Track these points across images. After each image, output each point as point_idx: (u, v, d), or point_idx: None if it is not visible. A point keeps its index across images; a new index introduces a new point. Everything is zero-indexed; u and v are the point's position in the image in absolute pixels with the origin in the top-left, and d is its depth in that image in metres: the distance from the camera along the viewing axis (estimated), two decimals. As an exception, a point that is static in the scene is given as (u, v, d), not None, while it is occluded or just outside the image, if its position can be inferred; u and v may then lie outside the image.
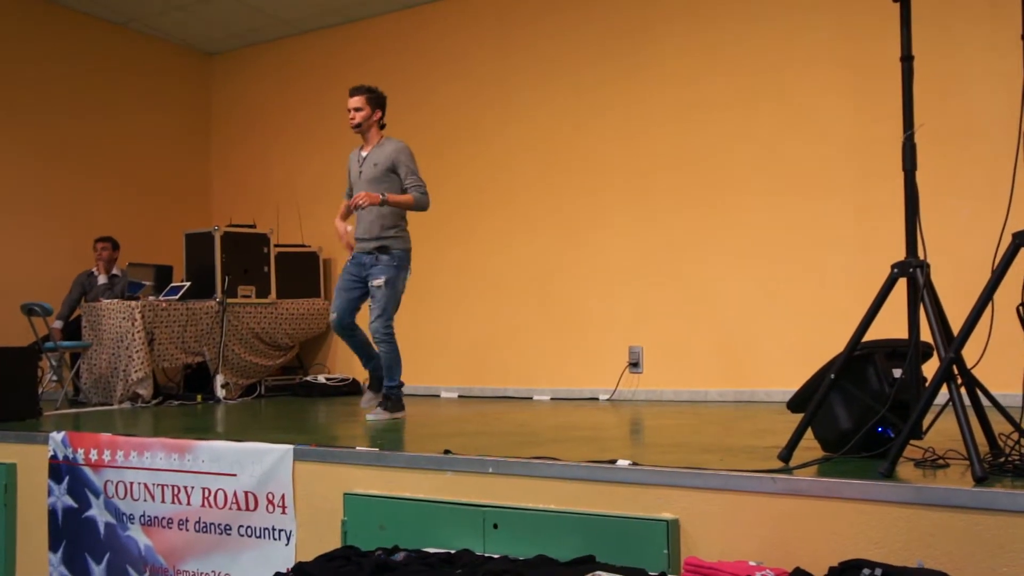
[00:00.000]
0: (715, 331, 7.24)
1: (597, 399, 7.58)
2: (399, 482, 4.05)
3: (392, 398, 5.98)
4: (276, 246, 8.79)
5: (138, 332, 7.52)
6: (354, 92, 5.92)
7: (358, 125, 5.91)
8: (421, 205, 5.82)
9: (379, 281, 5.80)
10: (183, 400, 7.85)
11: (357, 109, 5.89)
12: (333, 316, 5.97)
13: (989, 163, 6.14)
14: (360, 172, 5.91)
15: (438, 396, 8.21)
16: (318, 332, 9.12)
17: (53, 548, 5.10)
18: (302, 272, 9.01)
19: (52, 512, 5.12)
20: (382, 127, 5.99)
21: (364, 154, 5.94)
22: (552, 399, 7.73)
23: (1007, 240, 3.23)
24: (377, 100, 5.93)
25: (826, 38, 6.93)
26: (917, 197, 3.50)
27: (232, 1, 8.88)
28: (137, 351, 7.49)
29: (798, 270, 6.94)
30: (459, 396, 8.10)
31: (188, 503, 4.64)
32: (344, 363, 9.08)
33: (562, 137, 8.04)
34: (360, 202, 5.67)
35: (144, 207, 9.50)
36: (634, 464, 3.57)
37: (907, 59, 3.54)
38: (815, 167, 6.93)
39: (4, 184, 8.56)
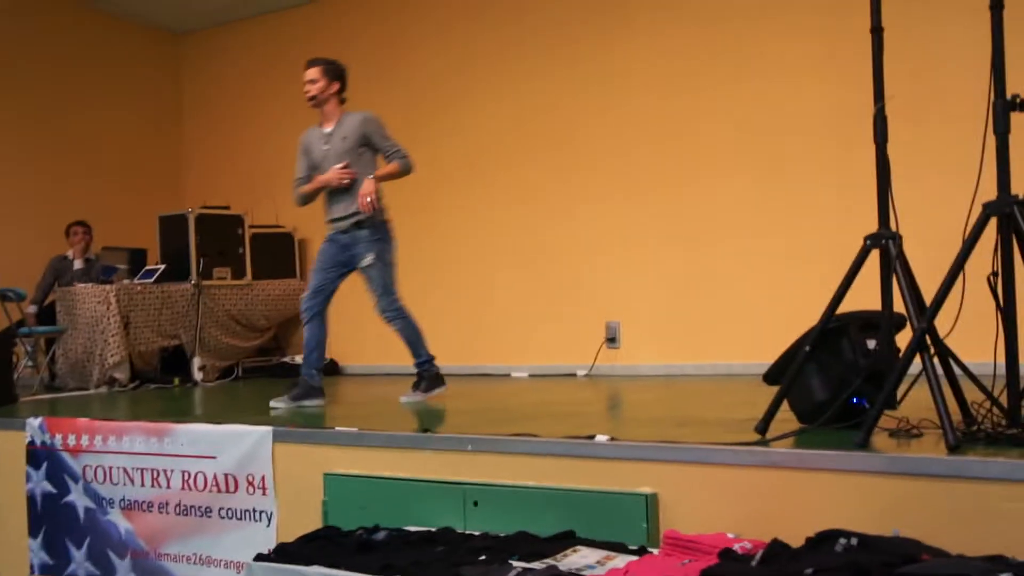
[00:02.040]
0: (691, 305, 7.26)
1: (575, 375, 7.60)
2: (378, 461, 4.06)
3: (425, 376, 5.68)
4: (251, 227, 8.74)
5: (113, 316, 7.48)
6: (309, 64, 5.67)
7: (312, 98, 5.63)
8: (408, 169, 5.57)
9: (368, 259, 5.51)
10: (160, 384, 7.80)
11: (312, 81, 5.62)
12: (305, 296, 5.71)
13: (960, 135, 6.11)
14: (327, 148, 5.63)
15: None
16: (294, 313, 9.01)
17: (33, 534, 5.09)
18: (277, 253, 8.96)
19: (31, 498, 5.10)
20: (342, 101, 5.72)
21: (327, 130, 5.68)
22: (530, 376, 7.75)
23: (977, 211, 3.26)
24: (334, 71, 5.66)
25: (803, 10, 6.93)
26: (888, 169, 3.53)
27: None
28: (113, 335, 7.46)
29: (775, 243, 6.96)
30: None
31: (168, 486, 4.64)
32: (321, 343, 9.06)
33: (541, 112, 8.02)
34: (342, 179, 5.48)
35: (117, 190, 9.42)
36: (612, 439, 3.59)
37: (877, 30, 3.56)
38: (793, 141, 6.94)
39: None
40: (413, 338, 5.65)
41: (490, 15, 8.38)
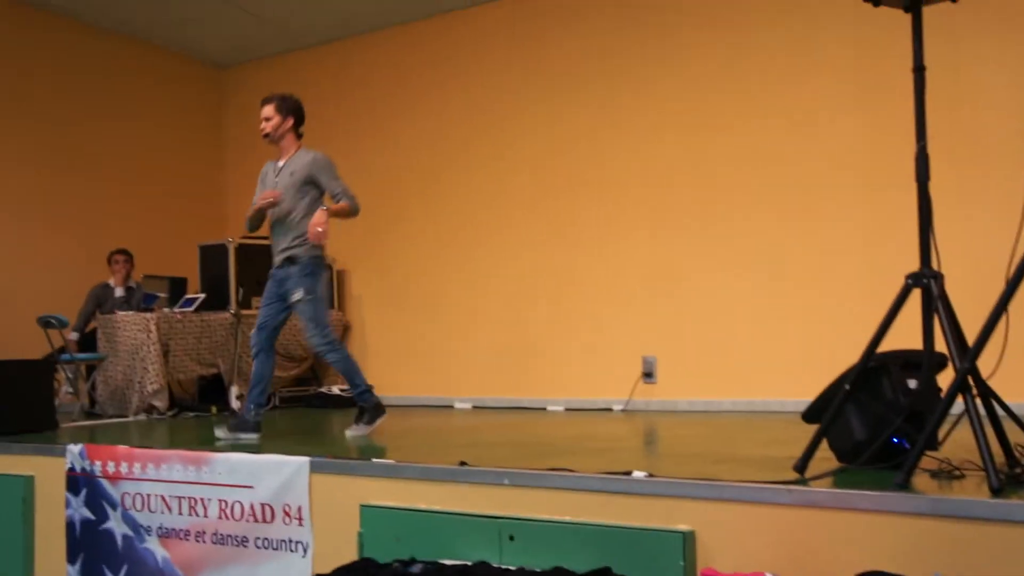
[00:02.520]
0: (728, 342, 7.23)
1: (611, 409, 7.58)
2: (415, 493, 4.06)
3: (367, 407, 5.72)
4: (290, 258, 8.79)
5: (153, 344, 7.56)
6: (264, 101, 5.76)
7: (267, 135, 5.73)
8: (356, 210, 5.64)
9: (297, 295, 5.57)
10: (198, 412, 7.86)
11: (267, 118, 5.72)
12: (253, 332, 5.74)
13: (1001, 173, 6.14)
14: (276, 181, 5.72)
15: (452, 407, 8.22)
16: (332, 343, 9.13)
17: (71, 560, 5.12)
18: (316, 284, 9.00)
19: (70, 524, 5.14)
20: (299, 136, 5.81)
21: (280, 163, 5.77)
22: (566, 410, 7.74)
23: (1021, 250, 3.23)
24: (288, 107, 5.74)
25: (836, 51, 6.94)
26: (931, 208, 3.51)
27: (242, 14, 8.92)
28: (152, 363, 7.53)
29: (811, 281, 6.94)
30: (473, 407, 8.10)
31: (205, 515, 4.66)
32: (358, 374, 9.10)
33: (576, 148, 8.06)
34: (274, 199, 5.59)
35: (158, 219, 9.54)
36: (649, 475, 3.58)
37: (919, 69, 3.55)
38: (827, 180, 6.93)
39: (20, 196, 8.62)
40: (350, 371, 5.70)
41: (521, 49, 8.45)
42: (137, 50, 9.64)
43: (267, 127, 5.74)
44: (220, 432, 5.62)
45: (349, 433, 5.69)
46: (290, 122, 5.76)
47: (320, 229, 5.45)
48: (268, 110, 5.75)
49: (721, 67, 7.41)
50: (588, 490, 3.63)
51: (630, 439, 5.83)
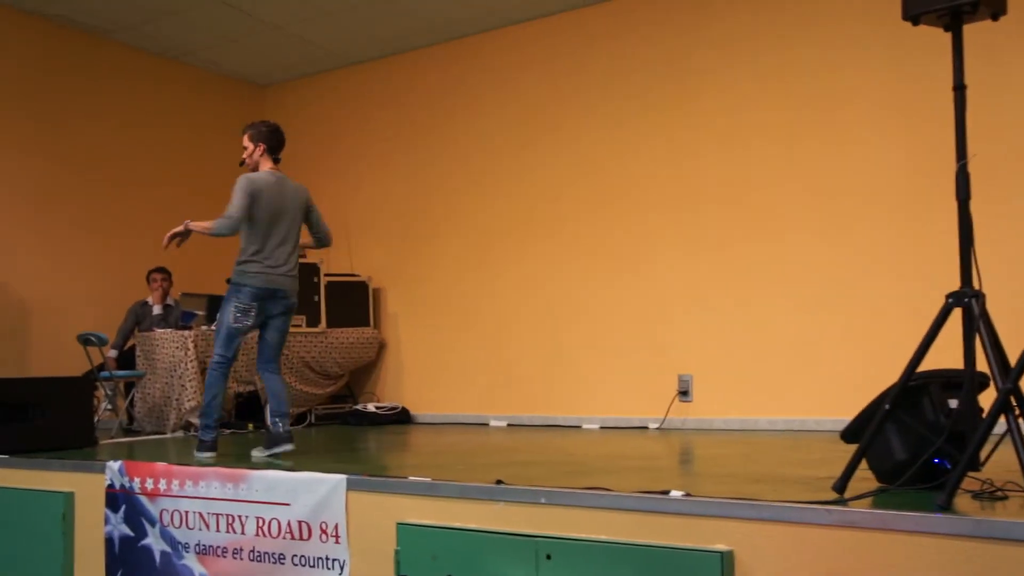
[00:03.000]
0: (765, 359, 7.20)
1: (647, 428, 7.56)
2: (451, 512, 4.06)
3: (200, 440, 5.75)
4: (326, 275, 8.88)
5: (191, 361, 7.62)
6: (243, 131, 5.99)
7: (242, 162, 5.95)
8: (210, 230, 5.71)
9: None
10: (235, 429, 7.92)
11: (244, 147, 5.95)
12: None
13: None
14: None
15: (487, 424, 8.23)
16: (368, 361, 9.19)
17: (110, 576, 5.17)
18: (352, 301, 9.08)
19: (109, 540, 5.19)
20: (276, 161, 5.98)
21: None
22: (601, 428, 7.73)
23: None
24: (259, 135, 5.91)
25: (874, 65, 6.92)
26: (971, 227, 3.48)
27: (280, 34, 9.02)
28: (190, 380, 7.59)
29: (849, 299, 6.91)
30: (508, 425, 8.11)
31: (243, 532, 4.69)
32: (393, 391, 9.14)
33: (610, 165, 8.08)
34: (163, 241, 5.89)
35: (197, 237, 9.56)
36: (687, 495, 3.56)
37: (960, 88, 3.53)
38: (866, 197, 6.91)
39: (62, 216, 8.74)
40: (207, 396, 5.82)
41: (553, 66, 8.50)
42: (176, 71, 9.77)
43: (244, 155, 5.98)
44: (257, 452, 5.78)
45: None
46: (260, 149, 5.93)
47: (164, 238, 5.85)
48: (244, 139, 5.98)
49: (758, 86, 7.42)
50: (625, 509, 3.61)
51: (666, 458, 5.81)
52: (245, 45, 9.36)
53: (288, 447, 5.72)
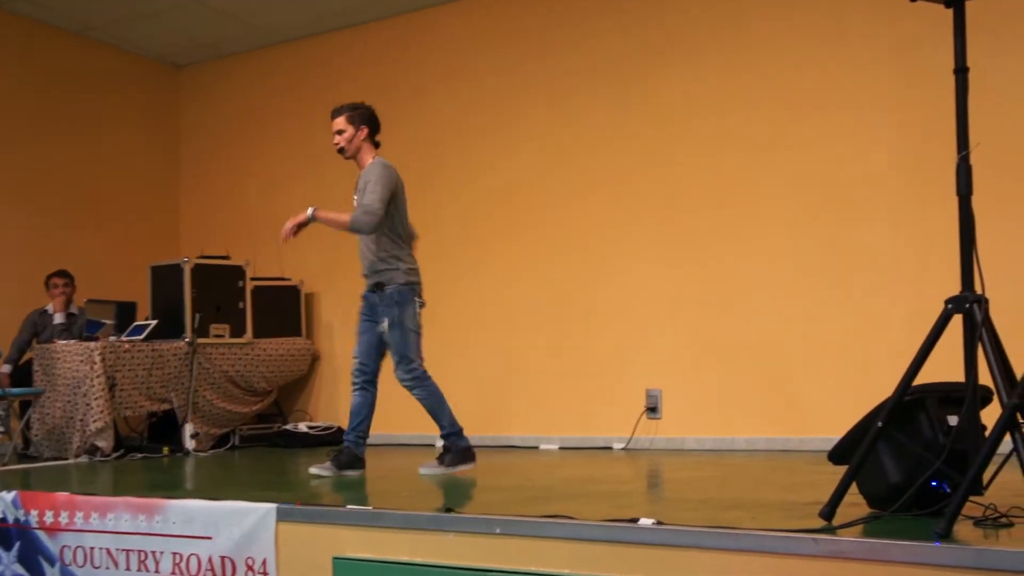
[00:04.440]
0: (743, 372, 7.23)
1: (611, 448, 7.57)
2: (394, 544, 4.03)
3: (451, 449, 5.83)
4: (252, 280, 8.80)
5: (97, 377, 7.50)
6: (335, 113, 5.91)
7: (341, 149, 5.90)
8: (353, 225, 5.68)
9: (384, 325, 5.75)
10: (148, 453, 7.82)
11: (339, 132, 5.87)
12: (353, 361, 5.92)
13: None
14: (355, 199, 5.87)
15: (434, 445, 8.18)
16: (299, 375, 9.12)
17: (3, 623, 5.08)
18: (281, 309, 9.02)
19: (1, 582, 5.10)
20: (376, 145, 5.96)
21: (359, 177, 5.93)
22: (561, 448, 7.73)
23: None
24: (361, 117, 5.88)
25: (869, 47, 6.97)
26: (973, 225, 3.50)
27: (204, 8, 8.93)
28: (96, 398, 7.47)
29: (838, 306, 6.95)
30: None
31: (157, 571, 4.62)
32: (328, 409, 9.08)
33: (577, 163, 8.07)
34: (284, 231, 5.72)
35: (104, 237, 9.52)
36: (658, 523, 3.56)
37: (961, 71, 3.55)
38: (858, 189, 6.96)
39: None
40: (436, 408, 5.79)
41: (516, 55, 8.49)
42: (81, 48, 9.63)
43: (340, 141, 5.90)
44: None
45: (422, 470, 5.83)
46: (363, 132, 5.90)
47: (285, 227, 5.68)
48: (340, 122, 5.90)
49: (738, 85, 7.45)
50: (590, 540, 3.61)
51: (634, 481, 5.82)
52: (162, 20, 9.25)
53: (359, 472, 5.85)
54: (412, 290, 5.79)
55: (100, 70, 9.79)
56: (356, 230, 5.71)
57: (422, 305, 5.84)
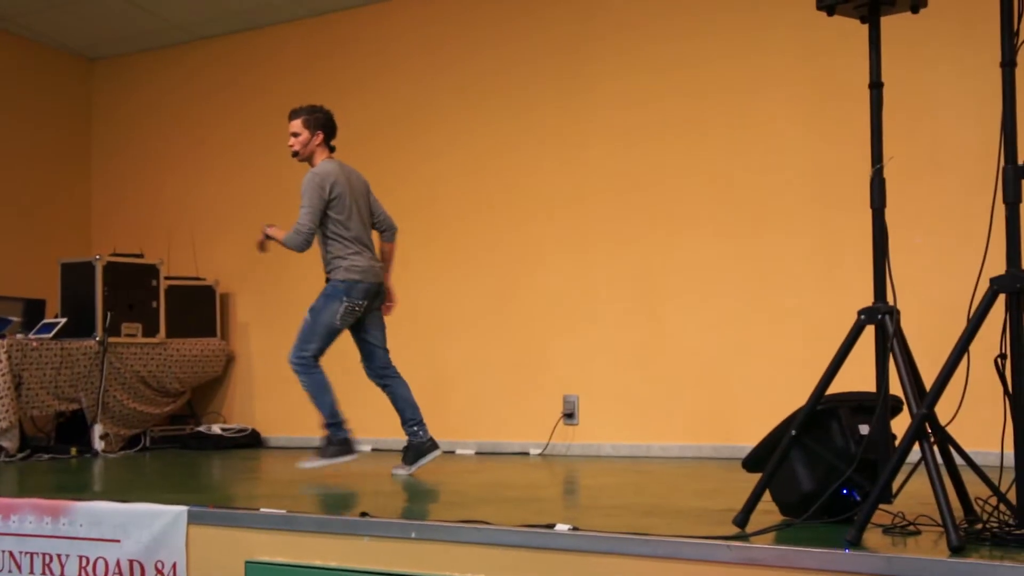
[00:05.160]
0: (659, 379, 7.28)
1: (528, 454, 7.58)
2: (309, 548, 3.99)
3: (331, 440, 5.89)
4: (166, 278, 8.65)
5: (3, 375, 7.34)
6: (292, 115, 5.95)
7: (295, 153, 5.95)
8: (287, 245, 5.80)
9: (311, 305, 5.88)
10: (55, 454, 7.66)
11: (295, 134, 5.91)
12: (364, 365, 6.09)
13: (960, 196, 6.30)
14: None
15: (399, 449, 8.12)
16: (213, 376, 9.00)
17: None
18: (196, 309, 8.88)
19: (-103, 585, 4.96)
20: (332, 150, 6.03)
21: None
22: (477, 453, 7.72)
23: (984, 285, 3.31)
24: (317, 121, 5.93)
25: (784, 58, 7.07)
26: (886, 237, 3.57)
27: (119, 1, 8.77)
28: (1, 397, 7.31)
29: (753, 313, 7.02)
30: (373, 449, 8.03)
31: (62, 574, 4.52)
32: (243, 411, 8.97)
33: (492, 164, 8.06)
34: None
35: (12, 232, 9.29)
36: (574, 529, 3.57)
37: (876, 86, 3.63)
38: (772, 198, 7.03)
39: None
40: (316, 396, 5.88)
41: (433, 56, 8.45)
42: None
43: (295, 144, 5.93)
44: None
45: (302, 464, 5.92)
46: (319, 138, 5.95)
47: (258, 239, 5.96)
48: (296, 124, 5.93)
49: (655, 74, 7.48)
50: (506, 545, 3.60)
51: (551, 487, 5.83)
52: (74, 11, 9.05)
53: (437, 453, 6.07)
54: (347, 287, 5.81)
55: (10, 61, 9.55)
56: (291, 248, 5.78)
57: (356, 307, 5.87)
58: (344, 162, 6.06)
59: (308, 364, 5.81)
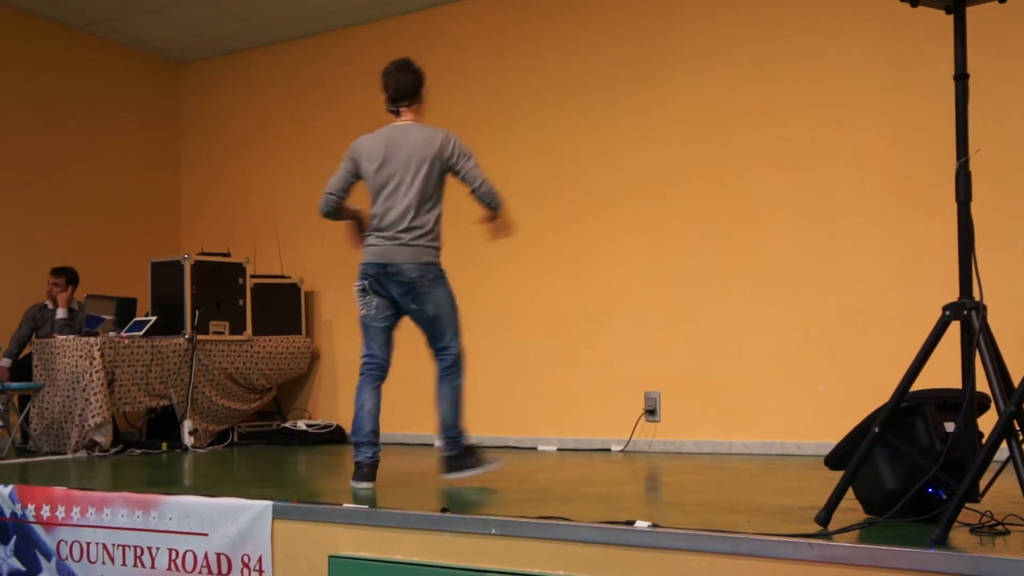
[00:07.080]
0: (742, 376, 7.22)
1: (609, 450, 7.56)
2: (391, 543, 4.02)
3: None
4: (253, 277, 8.78)
5: (96, 372, 7.50)
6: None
7: None
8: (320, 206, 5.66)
9: None
10: (146, 449, 7.82)
11: None
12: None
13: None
14: None
15: (431, 445, 8.17)
16: (298, 373, 9.10)
17: (-2, 617, 5.07)
18: (281, 306, 8.99)
19: (-3, 576, 5.09)
20: (395, 112, 5.84)
21: None
22: (559, 450, 7.72)
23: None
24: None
25: (866, 50, 6.95)
26: (972, 231, 3.50)
27: (207, 5, 8.92)
28: (95, 393, 7.47)
29: (836, 309, 6.92)
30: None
31: (153, 566, 4.61)
32: (327, 407, 9.06)
33: (568, 158, 8.06)
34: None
35: (105, 232, 9.50)
36: (654, 526, 3.55)
37: (961, 77, 3.55)
38: (854, 194, 6.92)
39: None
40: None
41: (506, 49, 8.48)
42: (83, 43, 9.60)
43: None
44: (451, 475, 5.33)
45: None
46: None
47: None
48: None
49: (733, 66, 7.41)
50: (586, 541, 3.60)
51: (631, 484, 5.81)
52: (164, 16, 9.22)
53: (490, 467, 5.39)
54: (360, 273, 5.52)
55: (102, 66, 9.76)
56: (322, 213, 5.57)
57: (359, 288, 5.60)
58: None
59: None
